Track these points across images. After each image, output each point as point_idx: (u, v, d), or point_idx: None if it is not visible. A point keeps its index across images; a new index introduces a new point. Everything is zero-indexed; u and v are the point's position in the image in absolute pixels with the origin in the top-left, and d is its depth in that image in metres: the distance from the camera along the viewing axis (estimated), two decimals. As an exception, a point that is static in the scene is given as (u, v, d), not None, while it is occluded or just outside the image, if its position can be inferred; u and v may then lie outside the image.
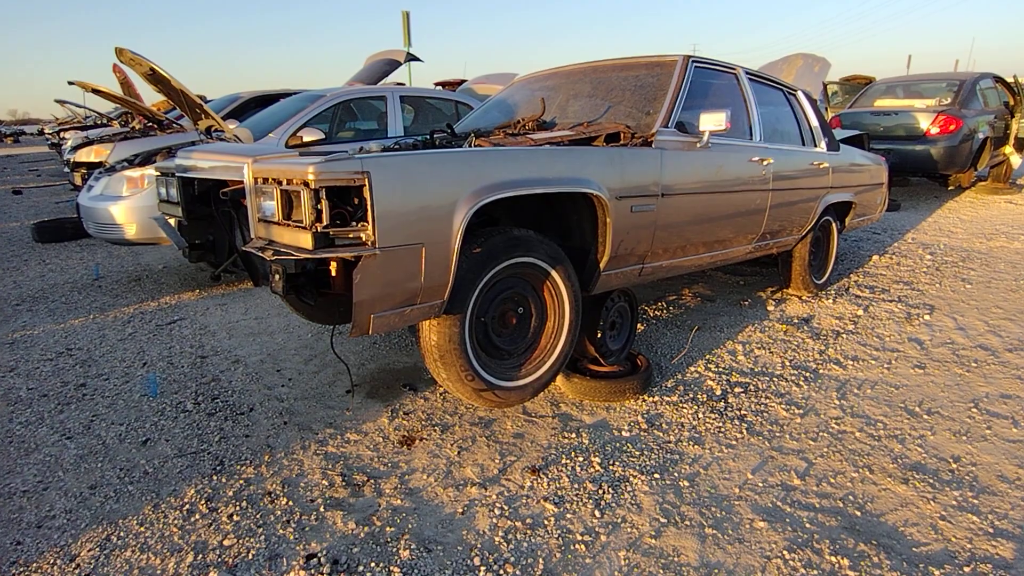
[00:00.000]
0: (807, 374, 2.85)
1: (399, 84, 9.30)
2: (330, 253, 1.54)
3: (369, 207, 1.54)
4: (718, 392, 2.69)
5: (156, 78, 4.06)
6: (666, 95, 2.56)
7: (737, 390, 2.71)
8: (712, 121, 2.48)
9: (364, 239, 1.58)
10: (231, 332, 3.62)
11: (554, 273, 2.08)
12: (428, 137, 2.62)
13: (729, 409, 2.55)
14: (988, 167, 7.41)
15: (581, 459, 2.21)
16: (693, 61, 2.76)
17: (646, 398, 2.65)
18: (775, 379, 2.81)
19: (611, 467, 2.16)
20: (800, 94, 3.62)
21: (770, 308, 3.74)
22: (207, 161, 2.18)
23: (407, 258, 1.62)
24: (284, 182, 1.62)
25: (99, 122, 12.80)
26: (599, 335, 2.57)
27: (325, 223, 1.55)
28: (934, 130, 6.01)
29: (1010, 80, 7.10)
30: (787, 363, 2.97)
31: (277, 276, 1.75)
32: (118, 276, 5.07)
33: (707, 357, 3.06)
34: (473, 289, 1.87)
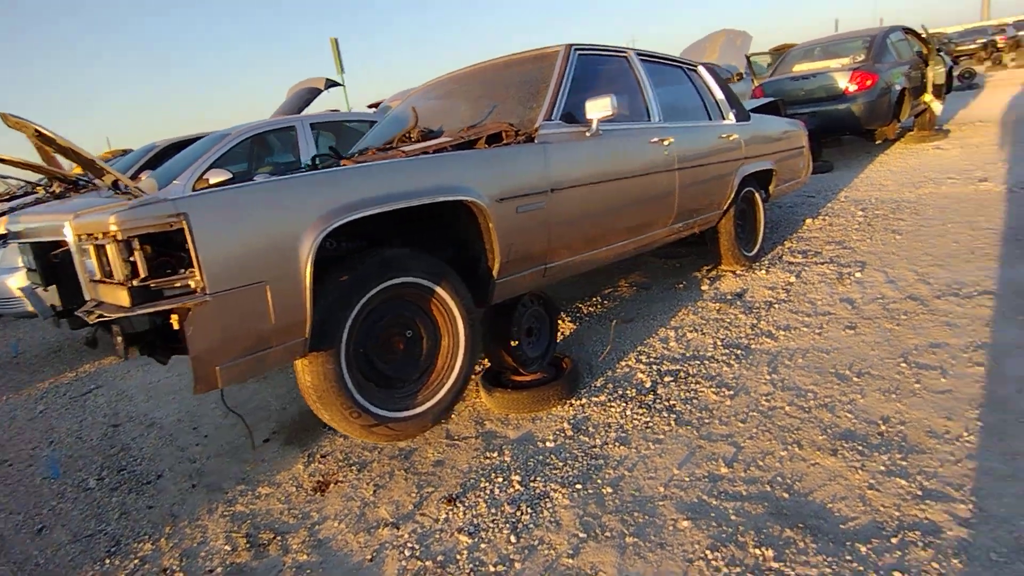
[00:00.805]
0: (739, 352, 2.77)
1: (334, 111, 9.10)
2: (151, 308, 1.40)
3: (192, 252, 1.40)
4: (648, 384, 2.59)
5: (44, 139, 3.85)
6: (548, 87, 2.46)
7: (667, 379, 2.61)
8: (598, 108, 2.39)
9: (193, 286, 1.43)
10: (150, 394, 3.42)
11: (439, 290, 1.95)
12: (310, 164, 2.48)
13: (658, 401, 2.45)
14: (913, 116, 7.52)
15: (501, 480, 2.08)
16: (576, 49, 2.67)
17: (574, 402, 2.54)
18: (706, 362, 2.72)
19: (532, 484, 2.03)
20: (701, 68, 3.57)
21: (704, 288, 3.67)
22: (35, 223, 2.01)
23: (248, 300, 1.48)
24: (97, 236, 1.47)
25: (28, 190, 12.35)
26: (514, 344, 2.45)
27: (144, 275, 1.40)
28: (852, 88, 6.06)
29: (919, 30, 7.23)
30: (719, 343, 2.89)
31: (118, 338, 1.59)
32: (38, 349, 4.81)
33: (639, 348, 2.96)
34: (344, 320, 1.73)
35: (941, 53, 8.01)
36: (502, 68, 2.83)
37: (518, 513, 1.89)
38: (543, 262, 2.32)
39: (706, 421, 2.27)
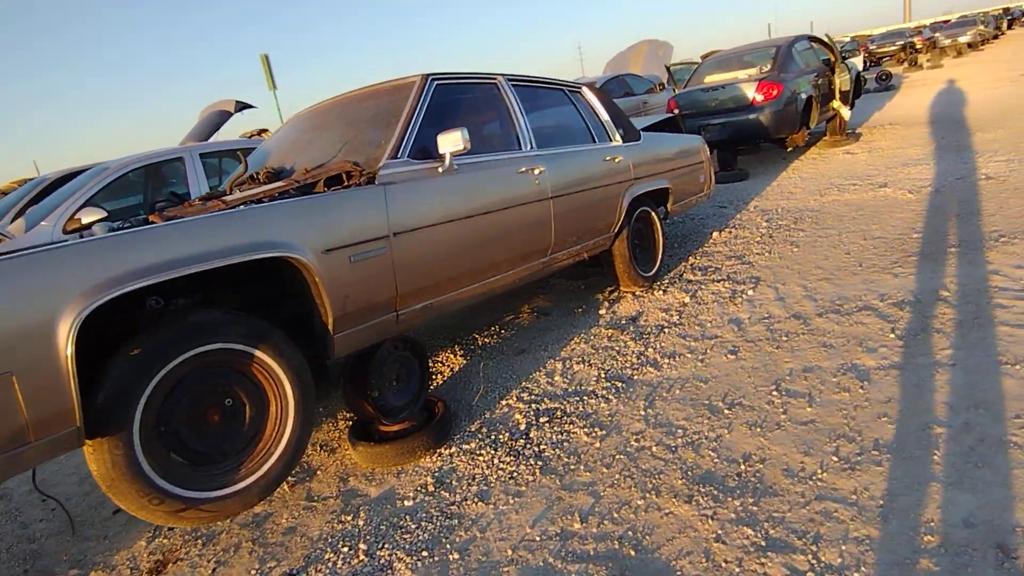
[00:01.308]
0: (620, 384, 2.70)
1: (264, 131, 8.77)
2: None
3: None
4: (523, 426, 2.49)
5: None
6: (398, 122, 2.33)
7: (543, 420, 2.51)
8: (450, 142, 2.28)
9: None
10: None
11: (259, 353, 1.80)
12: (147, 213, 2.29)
13: (529, 446, 2.34)
14: (824, 122, 7.72)
15: (347, 549, 1.94)
16: (434, 79, 2.56)
17: (443, 450, 2.41)
18: (586, 398, 2.63)
19: (378, 553, 1.89)
20: (585, 90, 3.51)
21: (602, 312, 3.60)
22: None
23: (-14, 395, 1.31)
24: None
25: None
26: (374, 394, 2.31)
27: None
28: (759, 98, 6.16)
29: (824, 38, 7.43)
30: (603, 375, 2.81)
31: None
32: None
33: (523, 384, 2.86)
34: (137, 398, 1.56)
35: (847, 60, 8.26)
36: (361, 100, 2.70)
37: (353, 592, 1.75)
38: (393, 309, 2.19)
39: (572, 467, 2.17)
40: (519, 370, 3.02)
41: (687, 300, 3.53)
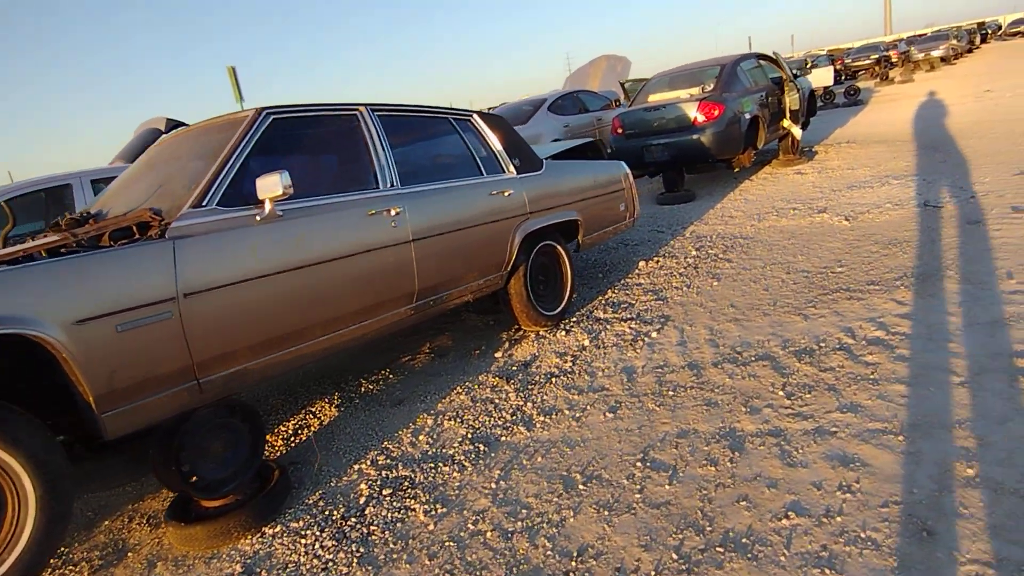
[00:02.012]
0: (483, 447, 2.44)
1: None
2: None
3: None
4: (362, 500, 2.23)
5: None
6: (213, 164, 2.08)
7: (386, 492, 2.25)
8: (268, 187, 2.03)
9: None
10: None
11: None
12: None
13: (359, 526, 2.08)
14: (777, 141, 7.55)
15: (106, 669, 1.66)
16: (269, 113, 2.31)
17: (268, 530, 2.14)
18: (442, 464, 2.38)
19: (137, 675, 1.62)
20: (476, 118, 3.27)
21: (498, 355, 3.35)
22: None
23: None
24: None
25: None
26: (185, 468, 2.04)
27: None
28: (700, 118, 5.96)
29: (772, 56, 7.27)
30: (469, 435, 2.56)
31: None
32: None
33: (384, 445, 2.60)
34: None
35: (799, 78, 8.11)
36: (200, 134, 2.44)
37: None
38: (192, 378, 1.92)
39: (394, 557, 1.91)
40: (388, 426, 2.76)
41: (587, 343, 3.28)
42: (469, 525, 2.00)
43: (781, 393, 2.43)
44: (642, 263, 4.63)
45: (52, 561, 2.17)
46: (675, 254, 4.73)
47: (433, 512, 2.10)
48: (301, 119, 2.43)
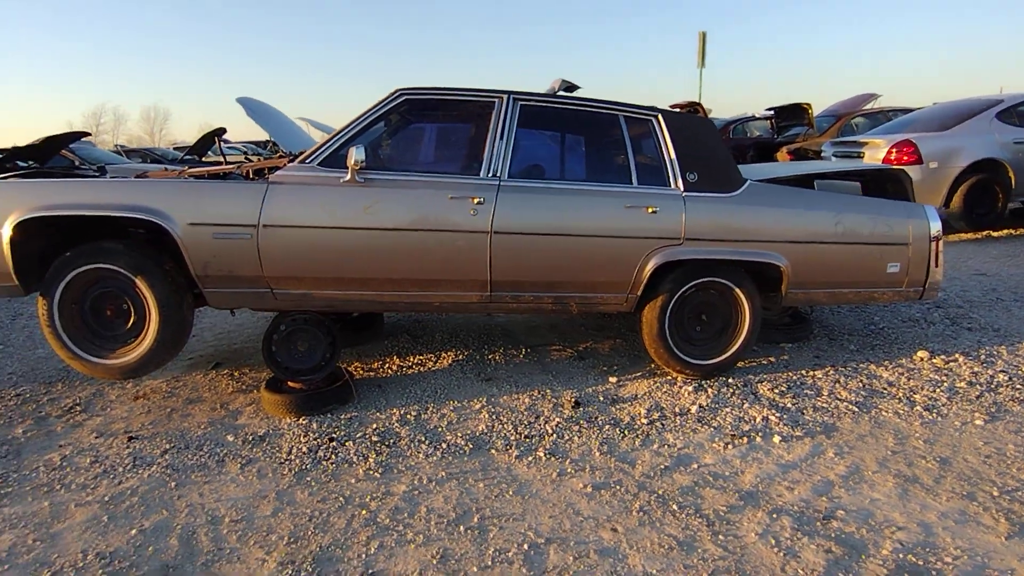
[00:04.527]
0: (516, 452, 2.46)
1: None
2: None
3: None
4: (367, 433, 2.58)
5: None
6: (339, 132, 2.61)
7: (376, 440, 2.54)
8: (351, 157, 2.46)
9: None
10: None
11: (138, 280, 2.51)
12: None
13: (343, 446, 2.46)
14: None
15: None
16: (403, 93, 2.71)
17: (302, 420, 2.70)
18: (422, 440, 2.52)
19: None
20: (659, 119, 2.84)
21: (613, 380, 3.07)
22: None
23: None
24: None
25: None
26: (273, 350, 2.78)
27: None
28: None
29: None
30: (471, 438, 2.58)
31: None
32: None
33: (429, 407, 2.84)
34: (59, 282, 2.51)
35: None
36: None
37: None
38: (265, 286, 2.58)
39: (360, 474, 2.24)
40: (448, 394, 2.97)
41: (693, 410, 2.72)
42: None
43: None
44: (923, 353, 3.30)
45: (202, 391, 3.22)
46: (988, 358, 3.18)
47: (377, 469, 2.30)
48: (433, 101, 2.71)
